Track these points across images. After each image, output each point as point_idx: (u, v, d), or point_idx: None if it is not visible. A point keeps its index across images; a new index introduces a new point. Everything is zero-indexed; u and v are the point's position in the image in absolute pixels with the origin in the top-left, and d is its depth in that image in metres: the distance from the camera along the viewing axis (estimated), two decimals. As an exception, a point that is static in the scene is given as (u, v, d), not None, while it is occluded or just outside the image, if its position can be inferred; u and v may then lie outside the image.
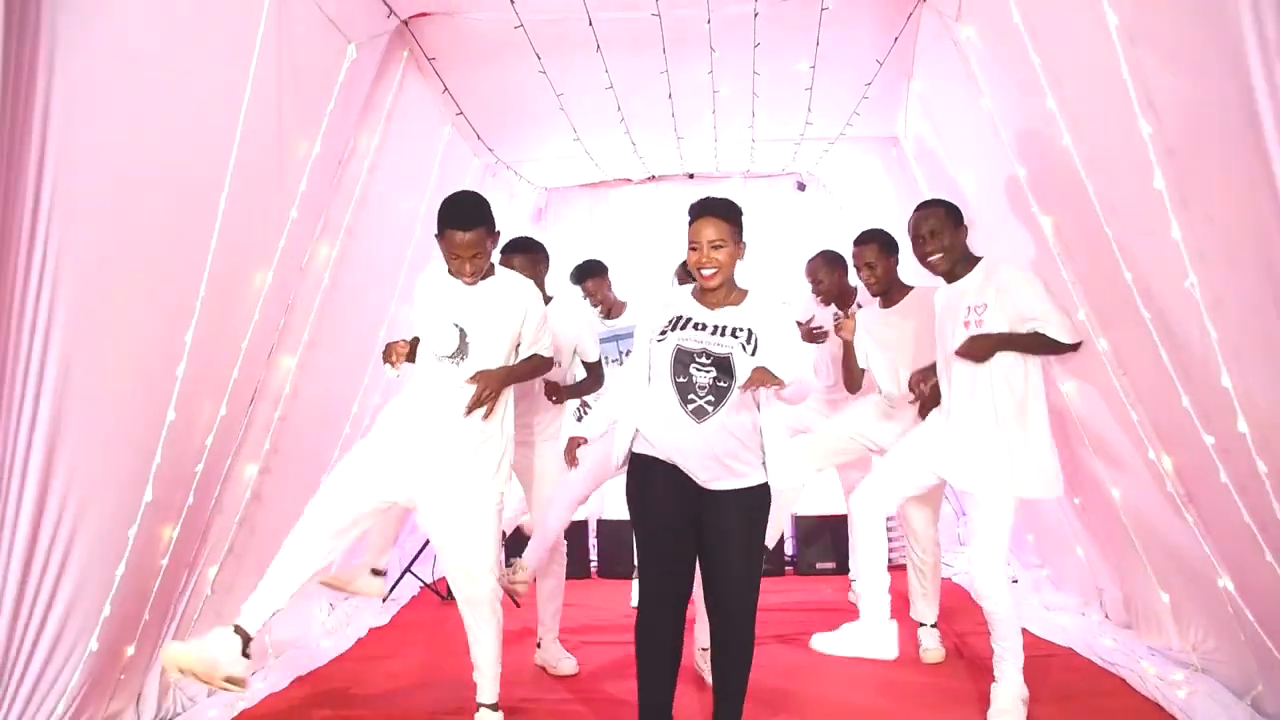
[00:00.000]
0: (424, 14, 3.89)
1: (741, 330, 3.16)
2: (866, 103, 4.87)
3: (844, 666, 4.35)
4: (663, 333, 3.20)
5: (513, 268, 3.95)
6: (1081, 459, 4.27)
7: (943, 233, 3.72)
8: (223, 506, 3.95)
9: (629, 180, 7.29)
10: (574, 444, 4.02)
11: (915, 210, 3.88)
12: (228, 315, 3.35)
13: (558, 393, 4.25)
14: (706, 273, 3.16)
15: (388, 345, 3.67)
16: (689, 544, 3.23)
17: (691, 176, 7.31)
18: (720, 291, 3.23)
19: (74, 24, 2.39)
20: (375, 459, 3.52)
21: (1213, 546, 3.38)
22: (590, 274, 5.27)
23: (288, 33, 3.12)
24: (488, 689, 3.60)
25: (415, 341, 3.63)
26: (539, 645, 4.46)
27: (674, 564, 3.23)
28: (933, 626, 4.47)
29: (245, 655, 3.37)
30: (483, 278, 3.49)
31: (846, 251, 4.72)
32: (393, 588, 6.12)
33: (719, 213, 3.19)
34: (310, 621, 5.09)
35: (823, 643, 4.47)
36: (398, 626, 5.50)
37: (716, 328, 3.17)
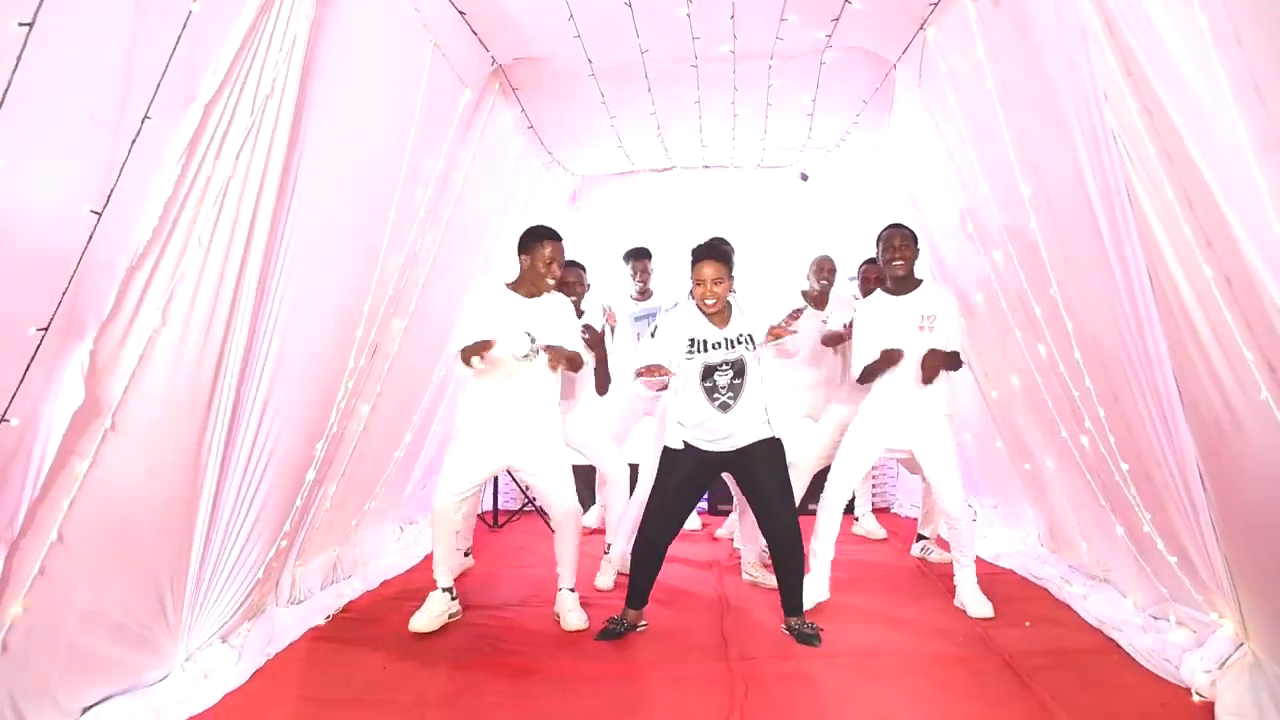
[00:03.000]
0: (517, 59, 5.13)
1: (745, 337, 4.45)
2: (857, 124, 6.13)
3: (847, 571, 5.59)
4: (689, 353, 4.47)
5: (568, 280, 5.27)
6: (1028, 434, 5.44)
7: (907, 248, 4.91)
8: (343, 436, 5.04)
9: (654, 169, 8.32)
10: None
11: (889, 226, 5.02)
12: (382, 290, 4.62)
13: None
14: (709, 303, 4.42)
15: (474, 348, 4.37)
16: (687, 508, 4.77)
17: (707, 167, 8.31)
18: (722, 313, 4.49)
19: (317, 114, 3.66)
20: (475, 449, 4.68)
21: (1094, 477, 4.53)
22: (639, 256, 6.46)
23: (433, 88, 4.37)
24: (568, 576, 4.80)
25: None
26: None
27: (671, 520, 4.68)
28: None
29: (454, 599, 4.83)
30: (539, 294, 4.66)
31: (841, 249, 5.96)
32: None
33: (717, 256, 4.43)
34: (385, 540, 6.26)
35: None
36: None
37: (728, 341, 4.45)
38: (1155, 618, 4.23)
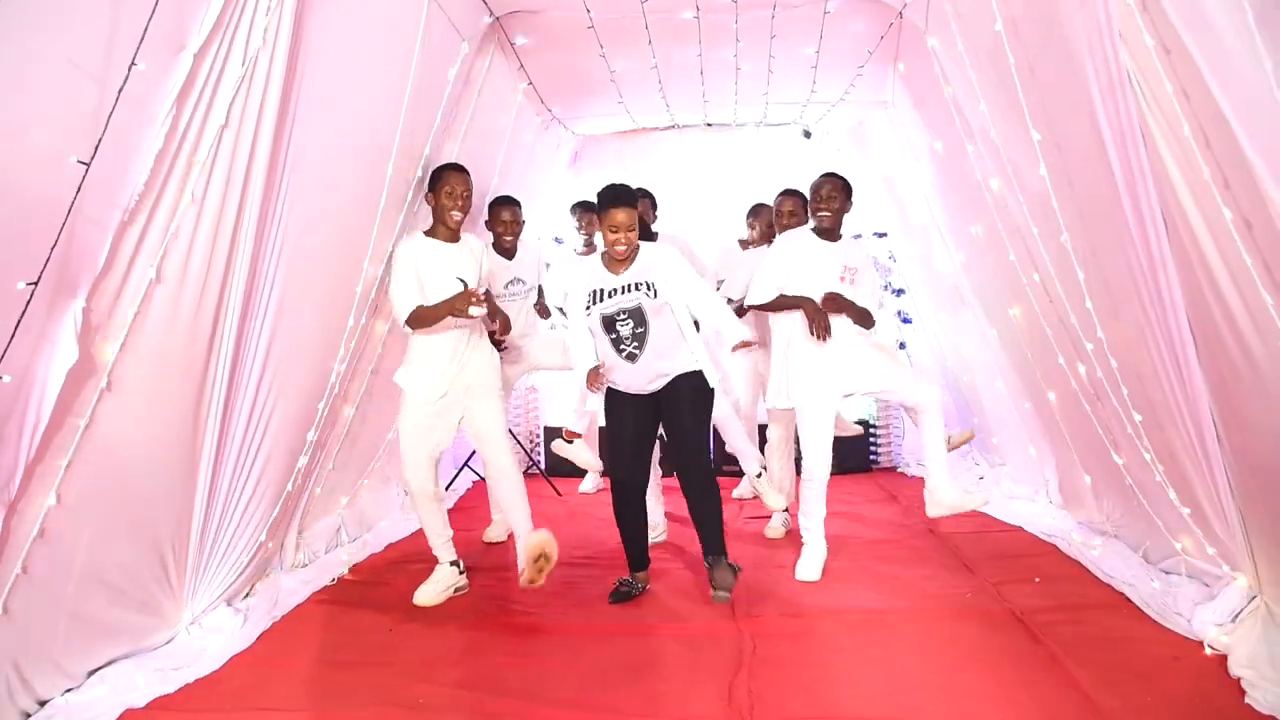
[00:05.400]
0: (514, 11, 5.02)
1: (641, 284, 4.29)
2: (861, 78, 6.03)
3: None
4: (588, 307, 4.34)
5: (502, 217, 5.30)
6: (1028, 370, 5.41)
7: (838, 198, 4.86)
8: (346, 396, 5.04)
9: (655, 129, 8.23)
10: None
11: (821, 175, 4.96)
12: (381, 248, 4.55)
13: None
14: (620, 249, 4.25)
15: (465, 296, 4.19)
16: (647, 446, 4.60)
17: (710, 125, 8.21)
18: (625, 260, 4.33)
19: (312, 65, 3.57)
20: (424, 410, 4.44)
21: (1106, 432, 4.49)
22: (587, 208, 6.35)
23: (430, 42, 4.27)
24: (523, 524, 4.51)
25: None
26: None
27: (636, 462, 4.51)
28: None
29: (461, 572, 4.70)
30: (456, 241, 4.44)
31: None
32: (452, 480, 7.38)
33: (627, 202, 4.24)
34: (390, 504, 6.26)
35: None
36: (460, 510, 6.73)
37: (624, 288, 4.30)
38: (1166, 572, 4.21)
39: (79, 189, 2.50)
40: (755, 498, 6.31)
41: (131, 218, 2.90)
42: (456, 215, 4.39)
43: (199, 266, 3.30)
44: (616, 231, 4.23)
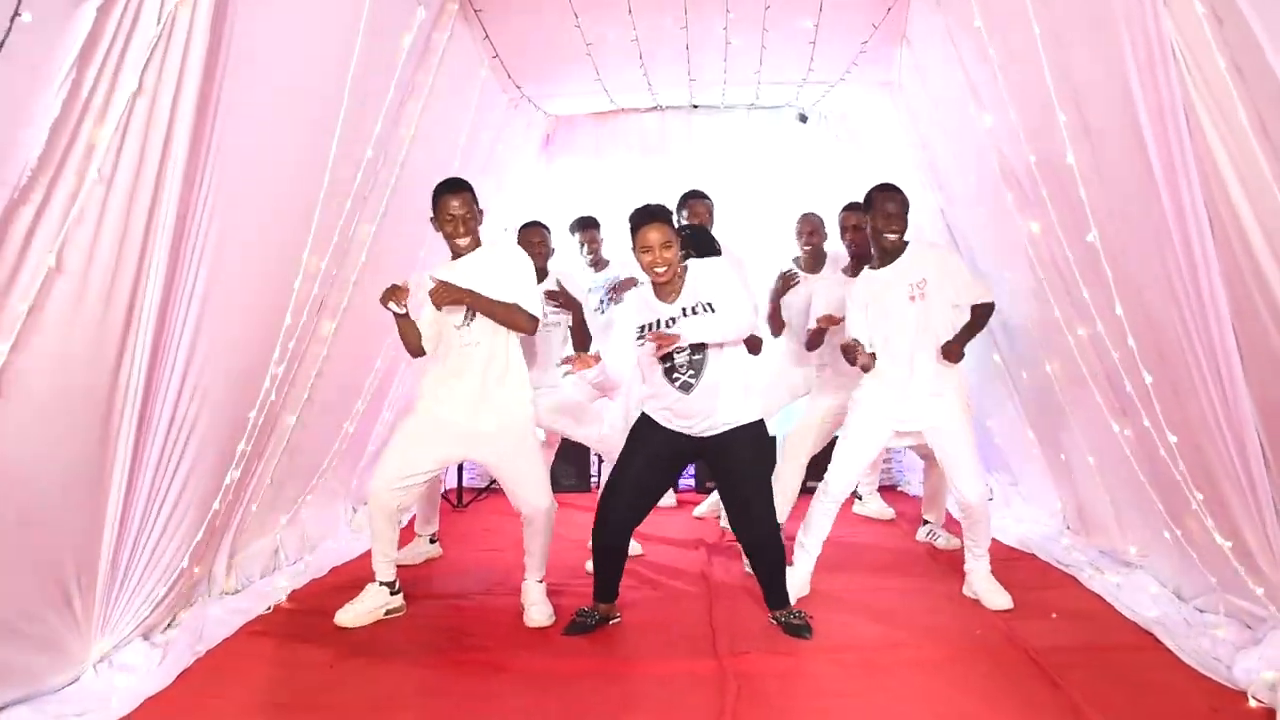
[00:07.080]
0: (477, -26, 4.85)
1: (697, 307, 4.17)
2: (864, 55, 5.87)
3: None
4: (640, 337, 4.21)
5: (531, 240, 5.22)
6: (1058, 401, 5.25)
7: (904, 215, 4.64)
8: (284, 405, 4.84)
9: (636, 110, 8.03)
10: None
11: (881, 189, 4.70)
12: (324, 238, 4.36)
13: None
14: (660, 270, 4.14)
15: (387, 290, 4.22)
16: (652, 495, 4.50)
17: (696, 107, 8.04)
18: (672, 283, 4.21)
19: (241, 24, 3.35)
20: (427, 433, 4.45)
21: (1133, 451, 4.36)
22: (585, 226, 6.46)
23: (380, 5, 4.10)
24: (536, 568, 4.59)
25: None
26: None
27: (633, 508, 4.43)
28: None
29: (395, 593, 4.64)
30: (471, 251, 4.36)
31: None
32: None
33: (661, 218, 4.15)
34: (337, 521, 6.11)
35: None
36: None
37: (682, 313, 4.18)
38: (1201, 610, 4.08)
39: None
40: (717, 516, 6.33)
41: (23, 197, 2.69)
42: (460, 241, 4.35)
43: (108, 255, 3.09)
44: (649, 252, 4.13)
